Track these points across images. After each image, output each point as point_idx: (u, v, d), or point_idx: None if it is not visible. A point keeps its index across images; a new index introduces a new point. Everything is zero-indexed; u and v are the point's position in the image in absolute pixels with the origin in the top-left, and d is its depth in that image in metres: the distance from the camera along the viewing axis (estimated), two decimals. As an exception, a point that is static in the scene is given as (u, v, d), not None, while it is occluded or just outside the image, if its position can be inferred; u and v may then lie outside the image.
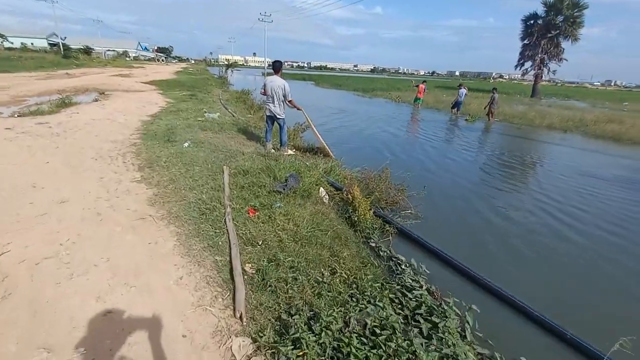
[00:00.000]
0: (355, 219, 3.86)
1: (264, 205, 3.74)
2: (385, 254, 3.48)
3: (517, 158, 8.30)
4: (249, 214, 3.54)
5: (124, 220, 3.33)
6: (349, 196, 4.02)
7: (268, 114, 6.25)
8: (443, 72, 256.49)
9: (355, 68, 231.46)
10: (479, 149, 9.26)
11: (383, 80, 48.01)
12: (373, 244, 3.59)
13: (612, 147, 10.51)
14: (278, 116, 6.09)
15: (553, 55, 31.96)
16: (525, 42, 32.88)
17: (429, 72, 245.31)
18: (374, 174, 4.81)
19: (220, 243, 3.04)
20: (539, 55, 31.97)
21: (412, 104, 19.56)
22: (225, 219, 3.39)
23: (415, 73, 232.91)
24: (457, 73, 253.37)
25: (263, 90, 6.22)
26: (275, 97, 6.00)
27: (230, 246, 2.99)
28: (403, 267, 3.17)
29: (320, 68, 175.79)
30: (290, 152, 6.48)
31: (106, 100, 11.41)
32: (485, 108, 14.89)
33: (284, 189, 4.00)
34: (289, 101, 6.06)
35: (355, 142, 9.01)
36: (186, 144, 5.98)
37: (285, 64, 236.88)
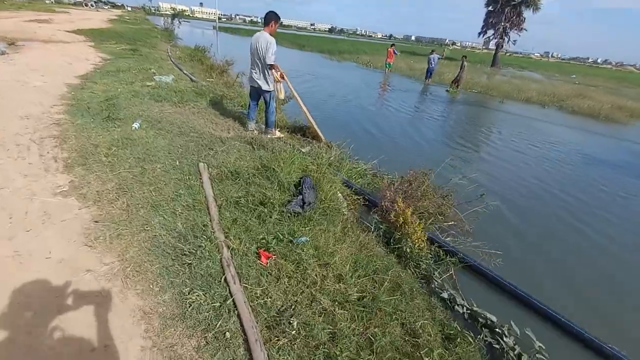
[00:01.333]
0: (408, 250, 2.71)
1: (279, 240, 2.42)
2: (465, 310, 2.41)
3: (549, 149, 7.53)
4: (260, 259, 2.21)
5: (36, 293, 1.84)
6: (397, 218, 2.81)
7: (251, 83, 4.69)
8: (400, 37, 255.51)
9: (313, 27, 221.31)
10: (487, 130, 8.43)
11: (346, 42, 45.65)
12: (445, 295, 2.48)
13: (598, 126, 10.35)
14: (264, 88, 4.57)
15: (514, 25, 32.09)
16: (490, 9, 32.53)
17: (386, 36, 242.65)
18: (413, 174, 3.58)
19: (227, 338, 1.72)
20: (502, 24, 31.91)
21: (384, 70, 18.46)
22: (225, 277, 2.03)
23: (373, 35, 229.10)
24: (412, 38, 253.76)
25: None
26: (259, 62, 4.45)
27: (246, 336, 1.69)
28: (504, 339, 2.13)
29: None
30: (278, 134, 5.03)
31: (16, 54, 8.65)
32: (457, 77, 14.29)
33: (302, 208, 2.68)
34: (269, 66, 4.40)
35: (343, 116, 7.69)
36: (136, 124, 4.25)
37: (237, 18, 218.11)
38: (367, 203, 3.58)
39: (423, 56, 32.06)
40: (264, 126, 4.96)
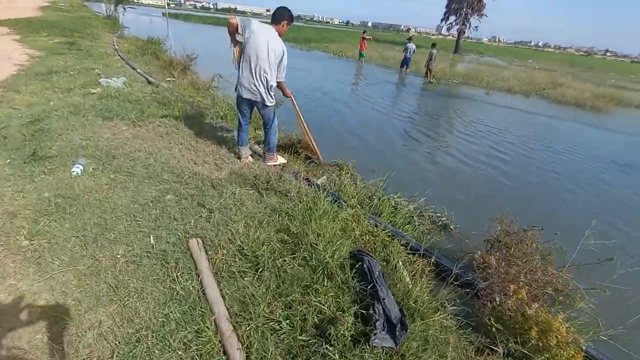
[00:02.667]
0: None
1: None
2: None
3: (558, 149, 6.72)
4: None
5: None
6: (523, 323, 1.78)
7: (245, 95, 3.19)
8: (357, 23, 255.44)
9: (268, 12, 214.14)
10: (486, 128, 7.67)
11: (309, 29, 43.88)
12: None
13: (593, 117, 10.09)
14: (267, 103, 3.24)
15: (475, 10, 32.36)
16: (452, -6, 32.53)
17: (343, 22, 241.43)
18: (507, 229, 2.51)
19: None
20: (464, 10, 32.03)
21: (356, 60, 17.50)
22: None
23: (330, 22, 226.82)
24: (369, 24, 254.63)
25: (235, 45, 3.14)
26: (265, 69, 3.05)
27: None
28: None
29: (229, 10, 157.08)
30: (281, 159, 3.83)
31: None
32: (425, 66, 13.74)
33: (394, 335, 1.57)
34: (280, 83, 3.29)
35: (329, 119, 6.58)
36: (78, 167, 2.88)
37: (187, 3, 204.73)
38: (434, 267, 2.55)
39: (385, 43, 31.51)
40: (260, 147, 3.72)
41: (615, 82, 20.19)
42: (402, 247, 2.62)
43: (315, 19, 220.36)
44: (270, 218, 2.53)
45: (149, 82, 6.73)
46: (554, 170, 5.29)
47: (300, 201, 2.77)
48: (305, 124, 3.92)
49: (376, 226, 2.79)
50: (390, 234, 2.75)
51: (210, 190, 2.82)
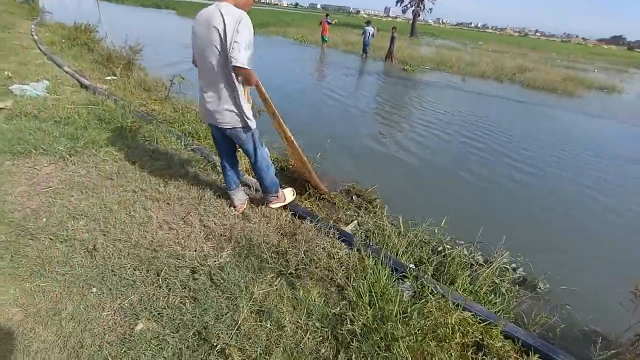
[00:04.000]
0: None
1: None
2: None
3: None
4: None
5: None
6: None
7: (208, 119, 2.11)
8: (305, 5, 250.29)
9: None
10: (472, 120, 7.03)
11: (263, 12, 41.29)
12: None
13: (567, 101, 9.97)
14: (235, 126, 2.04)
15: (430, -7, 32.31)
16: (407, -24, 32.11)
17: (292, 4, 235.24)
18: None
19: None
20: (420, -8, 31.84)
21: (319, 45, 16.32)
22: None
23: (279, 4, 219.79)
24: (319, 6, 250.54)
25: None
26: (216, 71, 1.89)
27: None
28: None
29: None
30: (290, 195, 2.71)
31: None
32: (389, 50, 13.44)
33: None
34: (237, 70, 1.77)
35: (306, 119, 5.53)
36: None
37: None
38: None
39: (343, 27, 30.37)
40: (262, 191, 2.59)
41: (560, 62, 21.13)
42: (503, 338, 1.76)
43: (263, 1, 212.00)
44: (325, 345, 1.51)
45: (82, 86, 5.17)
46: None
47: (358, 292, 1.76)
48: (289, 134, 2.56)
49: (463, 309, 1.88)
50: (484, 318, 1.86)
51: (211, 292, 1.70)
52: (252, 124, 2.08)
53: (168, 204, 2.46)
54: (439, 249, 2.56)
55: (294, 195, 2.74)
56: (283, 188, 2.67)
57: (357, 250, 2.26)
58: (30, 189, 2.36)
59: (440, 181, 3.94)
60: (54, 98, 4.28)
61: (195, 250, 2.00)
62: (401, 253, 2.42)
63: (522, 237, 2.95)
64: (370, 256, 2.19)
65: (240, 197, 2.53)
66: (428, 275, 2.17)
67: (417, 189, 3.67)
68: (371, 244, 2.48)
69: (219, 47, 1.81)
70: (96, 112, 3.89)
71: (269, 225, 2.41)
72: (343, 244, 2.37)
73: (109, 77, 6.06)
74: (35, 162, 2.72)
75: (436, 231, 2.65)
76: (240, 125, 2.04)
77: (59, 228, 2.00)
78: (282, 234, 2.33)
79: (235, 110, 1.98)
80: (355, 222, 2.74)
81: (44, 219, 2.07)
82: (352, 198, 3.29)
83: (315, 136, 4.46)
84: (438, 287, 2.04)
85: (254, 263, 1.92)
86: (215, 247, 2.06)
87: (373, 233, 2.58)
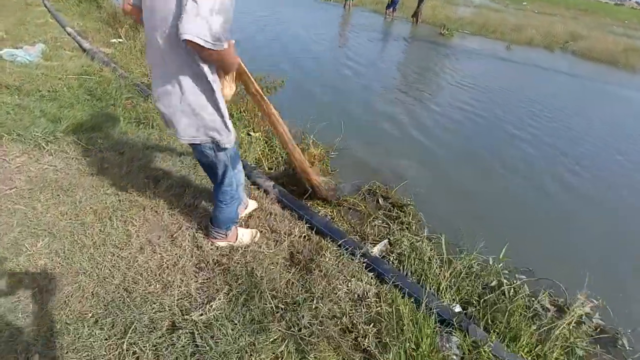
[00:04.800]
0: None
1: None
2: None
3: None
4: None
5: None
6: None
7: (168, 125, 1.38)
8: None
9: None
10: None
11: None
12: None
13: (628, 77, 8.62)
14: (195, 140, 1.35)
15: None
16: None
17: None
18: None
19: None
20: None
21: (345, 3, 14.86)
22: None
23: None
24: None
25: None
26: (166, 50, 1.15)
27: None
28: None
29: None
30: (245, 239, 1.90)
31: None
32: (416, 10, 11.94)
33: None
34: (195, 46, 1.02)
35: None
36: None
37: None
38: None
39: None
40: (210, 224, 1.83)
41: (616, 29, 18.69)
42: None
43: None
44: None
45: (82, 50, 4.64)
46: None
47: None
48: (282, 127, 1.99)
49: None
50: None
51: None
52: (228, 138, 1.37)
53: (156, 212, 1.99)
54: (492, 283, 2.01)
55: (253, 239, 1.92)
56: (241, 227, 1.97)
57: (391, 286, 1.75)
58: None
59: (481, 183, 3.20)
60: (46, 65, 3.79)
61: (179, 289, 1.54)
62: (444, 287, 1.89)
63: (592, 268, 2.33)
64: (407, 297, 1.68)
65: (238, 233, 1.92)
66: (480, 328, 1.64)
67: (452, 192, 3.02)
68: (406, 272, 1.97)
69: (172, 17, 1.07)
70: (89, 84, 3.39)
71: (278, 246, 1.91)
72: (370, 273, 1.87)
73: (114, 40, 5.49)
74: (6, 151, 2.28)
75: (491, 262, 2.08)
76: (207, 141, 1.35)
77: (11, 252, 1.57)
78: (293, 261, 1.83)
79: (201, 116, 1.27)
80: (386, 241, 2.21)
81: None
82: (378, 201, 2.74)
83: (327, 116, 3.78)
84: (500, 351, 1.52)
85: (254, 315, 1.44)
86: (207, 285, 1.59)
87: (408, 258, 2.05)
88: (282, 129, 1.99)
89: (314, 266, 1.74)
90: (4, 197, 1.89)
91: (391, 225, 2.40)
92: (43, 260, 1.56)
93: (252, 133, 3.31)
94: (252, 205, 2.16)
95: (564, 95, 6.52)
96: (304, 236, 2.07)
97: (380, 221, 2.50)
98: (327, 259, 1.82)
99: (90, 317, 1.37)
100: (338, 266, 1.80)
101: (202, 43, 1.00)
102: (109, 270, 1.58)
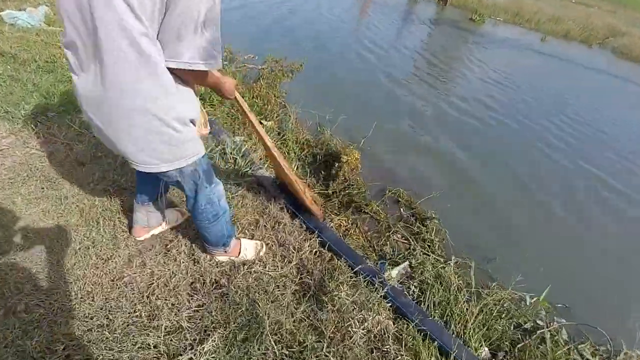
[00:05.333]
0: None
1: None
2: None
3: None
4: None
5: None
6: None
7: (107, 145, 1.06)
8: None
9: None
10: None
11: None
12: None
13: None
14: (152, 167, 1.05)
15: None
16: None
17: None
18: None
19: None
20: None
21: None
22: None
23: None
24: None
25: None
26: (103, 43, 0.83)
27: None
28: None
29: None
30: (250, 252, 1.66)
31: None
32: None
33: None
34: (186, 74, 0.94)
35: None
36: None
37: None
38: None
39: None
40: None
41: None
42: None
43: None
44: None
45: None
46: None
47: None
48: (271, 148, 1.70)
49: None
50: None
51: None
52: (194, 151, 1.11)
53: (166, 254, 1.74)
54: (527, 324, 1.76)
55: (258, 253, 1.68)
56: (242, 238, 1.71)
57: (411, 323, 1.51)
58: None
59: (514, 203, 2.82)
60: (48, 31, 3.51)
61: (169, 318, 1.31)
62: (471, 326, 1.64)
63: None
64: (430, 339, 1.44)
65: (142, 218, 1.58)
66: None
67: (480, 208, 2.69)
68: (428, 305, 1.73)
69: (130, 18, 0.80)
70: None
71: (285, 265, 1.67)
72: (388, 304, 1.63)
73: None
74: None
75: (528, 301, 1.81)
76: (170, 163, 1.07)
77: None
78: (302, 286, 1.59)
79: (162, 137, 1.00)
80: (407, 264, 1.95)
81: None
82: (400, 211, 2.47)
83: (344, 106, 3.43)
84: None
85: (252, 361, 1.22)
86: (201, 314, 1.36)
87: (432, 287, 1.80)
88: (272, 148, 1.70)
89: (326, 299, 1.49)
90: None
91: (412, 242, 2.14)
92: (14, 273, 1.34)
93: (264, 122, 3.03)
94: (251, 253, 1.68)
95: (605, 98, 6.00)
96: (315, 251, 1.83)
97: (399, 235, 2.25)
98: (340, 288, 1.58)
99: (62, 349, 1.16)
100: (353, 296, 1.56)
101: (199, 67, 0.90)
102: (90, 288, 1.36)
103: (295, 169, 2.53)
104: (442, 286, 1.80)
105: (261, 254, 1.70)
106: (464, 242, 2.23)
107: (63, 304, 1.29)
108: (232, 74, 3.55)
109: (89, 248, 1.50)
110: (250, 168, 2.28)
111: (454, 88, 4.95)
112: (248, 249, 1.67)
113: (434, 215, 2.36)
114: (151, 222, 1.58)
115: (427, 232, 2.24)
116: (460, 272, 1.94)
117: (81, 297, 1.32)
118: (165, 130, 0.98)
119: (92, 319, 1.26)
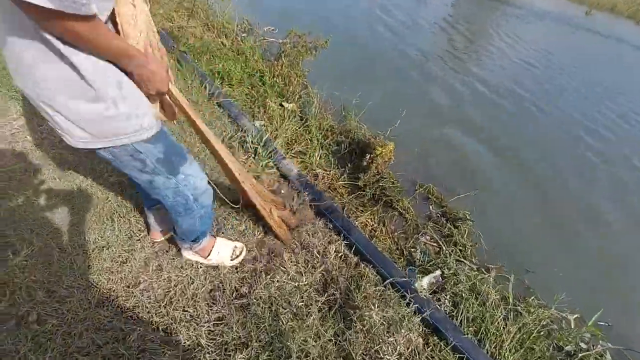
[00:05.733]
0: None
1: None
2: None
3: None
4: None
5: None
6: None
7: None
8: None
9: None
10: None
11: None
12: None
13: None
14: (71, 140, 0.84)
15: None
16: None
17: None
18: None
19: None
20: None
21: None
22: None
23: None
24: None
25: None
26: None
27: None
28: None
29: None
30: (224, 257, 1.48)
31: None
32: None
33: None
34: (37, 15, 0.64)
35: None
36: None
37: None
38: None
39: None
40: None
41: None
42: None
43: None
44: None
45: None
46: None
47: None
48: (224, 155, 1.30)
49: None
50: None
51: None
52: (129, 127, 0.87)
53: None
54: (567, 347, 1.62)
55: (236, 256, 1.50)
56: (220, 237, 1.53)
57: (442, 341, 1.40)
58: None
59: (556, 206, 2.57)
60: None
61: (187, 332, 1.23)
62: (507, 348, 1.52)
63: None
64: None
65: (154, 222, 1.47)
66: None
67: (517, 211, 2.48)
68: (461, 320, 1.60)
69: None
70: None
71: (309, 272, 1.55)
72: (417, 317, 1.51)
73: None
74: (4, 109, 1.94)
75: (572, 324, 1.66)
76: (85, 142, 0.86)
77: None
78: (328, 298, 1.48)
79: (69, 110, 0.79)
80: (439, 273, 1.81)
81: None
82: (430, 210, 2.30)
83: (368, 93, 3.17)
84: None
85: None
86: (221, 329, 1.27)
87: (466, 301, 1.66)
88: (220, 153, 1.28)
89: (354, 316, 1.37)
90: (-9, 177, 1.57)
91: (443, 246, 1.99)
92: (25, 276, 1.27)
93: (285, 104, 2.83)
94: (225, 259, 1.50)
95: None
96: (341, 257, 1.70)
97: (428, 237, 2.09)
98: (369, 302, 1.46)
99: (74, 367, 1.09)
100: (383, 311, 1.44)
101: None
102: (105, 295, 1.27)
103: (318, 158, 2.36)
104: (477, 300, 1.66)
105: (240, 258, 1.52)
106: (500, 248, 2.06)
107: (76, 313, 1.21)
108: (250, 48, 3.31)
109: (103, 250, 1.40)
110: (273, 158, 2.12)
111: (493, 69, 4.55)
112: (222, 251, 1.48)
113: (467, 216, 2.18)
114: (164, 226, 1.46)
115: (459, 234, 2.08)
116: (495, 283, 1.79)
117: (95, 306, 1.24)
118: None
119: (106, 332, 1.18)
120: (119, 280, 1.33)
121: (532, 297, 1.79)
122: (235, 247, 1.52)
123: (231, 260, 1.49)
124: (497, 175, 2.72)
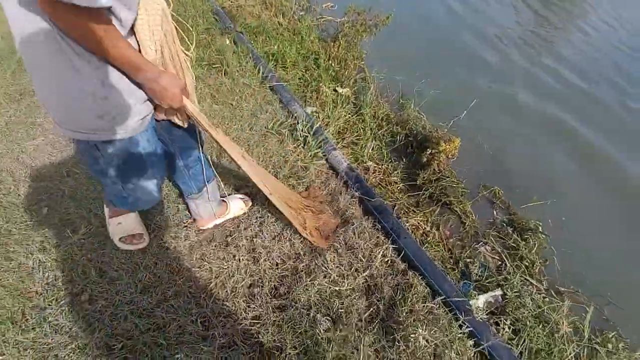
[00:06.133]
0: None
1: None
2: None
3: None
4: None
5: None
6: None
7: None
8: None
9: None
10: None
11: None
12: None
13: None
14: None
15: None
16: None
17: None
18: None
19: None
20: None
21: None
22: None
23: None
24: None
25: None
26: None
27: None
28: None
29: None
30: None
31: None
32: None
33: None
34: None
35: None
36: None
37: None
38: None
39: None
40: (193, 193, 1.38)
41: None
42: None
43: None
44: None
45: None
46: None
47: None
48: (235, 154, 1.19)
49: None
50: None
51: None
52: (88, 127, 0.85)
53: None
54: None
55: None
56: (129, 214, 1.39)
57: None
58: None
59: None
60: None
61: (223, 328, 1.21)
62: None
63: None
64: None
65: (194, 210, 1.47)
66: None
67: (602, 228, 2.07)
68: (520, 351, 1.40)
69: None
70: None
71: (352, 275, 1.45)
72: (469, 341, 1.35)
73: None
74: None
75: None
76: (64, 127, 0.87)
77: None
78: (369, 308, 1.37)
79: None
80: (499, 292, 1.60)
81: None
82: (494, 215, 2.05)
83: (431, 79, 2.82)
84: None
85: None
86: (256, 329, 1.24)
87: (530, 329, 1.45)
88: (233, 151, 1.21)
89: (397, 334, 1.25)
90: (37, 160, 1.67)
91: (506, 260, 1.75)
92: (83, 254, 1.33)
93: (339, 89, 2.68)
94: (236, 207, 1.58)
95: None
96: (389, 262, 1.58)
97: (489, 248, 1.86)
98: (415, 318, 1.33)
99: (120, 348, 1.12)
100: (431, 331, 1.30)
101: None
102: (150, 280, 1.30)
103: (370, 150, 2.20)
104: (544, 330, 1.44)
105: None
106: (576, 270, 1.77)
107: (124, 296, 1.24)
108: (307, 28, 3.17)
109: (150, 234, 1.43)
110: (322, 148, 2.01)
111: (590, 56, 3.84)
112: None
113: (539, 228, 1.90)
114: (202, 214, 1.45)
115: (526, 248, 1.82)
116: (570, 313, 1.54)
117: (140, 291, 1.27)
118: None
119: (149, 318, 1.20)
120: (163, 267, 1.35)
121: (614, 334, 1.51)
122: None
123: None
124: (583, 184, 2.31)
